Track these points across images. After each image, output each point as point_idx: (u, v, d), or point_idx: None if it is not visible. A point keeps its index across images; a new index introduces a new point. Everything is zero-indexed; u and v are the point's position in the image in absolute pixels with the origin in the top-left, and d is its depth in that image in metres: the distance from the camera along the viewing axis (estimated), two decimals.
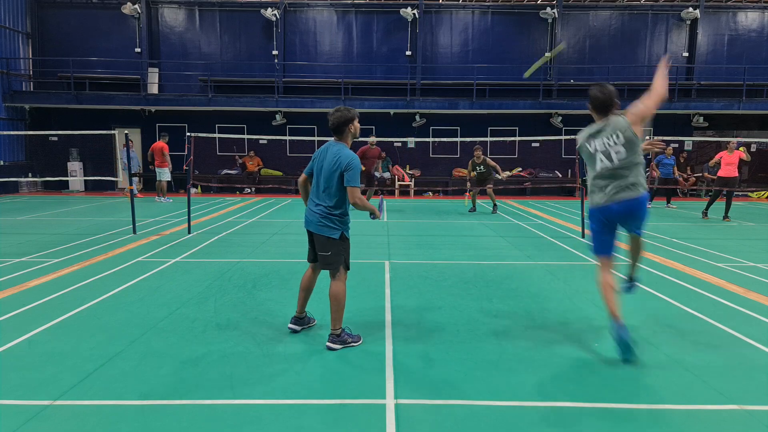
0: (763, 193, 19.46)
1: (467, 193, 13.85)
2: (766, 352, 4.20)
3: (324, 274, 4.49)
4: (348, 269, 4.32)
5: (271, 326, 4.71)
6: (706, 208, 12.81)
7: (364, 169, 13.15)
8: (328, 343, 4.19)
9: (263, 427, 3.02)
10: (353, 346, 4.22)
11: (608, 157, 4.06)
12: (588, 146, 4.16)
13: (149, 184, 19.46)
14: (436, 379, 3.66)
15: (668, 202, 15.63)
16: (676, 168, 15.53)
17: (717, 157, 12.34)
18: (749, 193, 18.96)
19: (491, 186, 13.09)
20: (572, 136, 10.34)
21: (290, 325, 4.55)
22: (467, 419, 3.12)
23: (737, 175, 12.44)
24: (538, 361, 3.97)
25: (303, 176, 4.44)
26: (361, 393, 3.43)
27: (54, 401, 3.28)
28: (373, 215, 4.41)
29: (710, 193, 18.96)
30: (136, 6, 19.38)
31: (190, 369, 3.77)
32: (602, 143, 4.08)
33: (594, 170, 4.17)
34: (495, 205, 13.34)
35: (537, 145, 19.54)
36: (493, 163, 12.99)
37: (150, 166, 16.42)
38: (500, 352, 4.15)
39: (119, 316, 4.94)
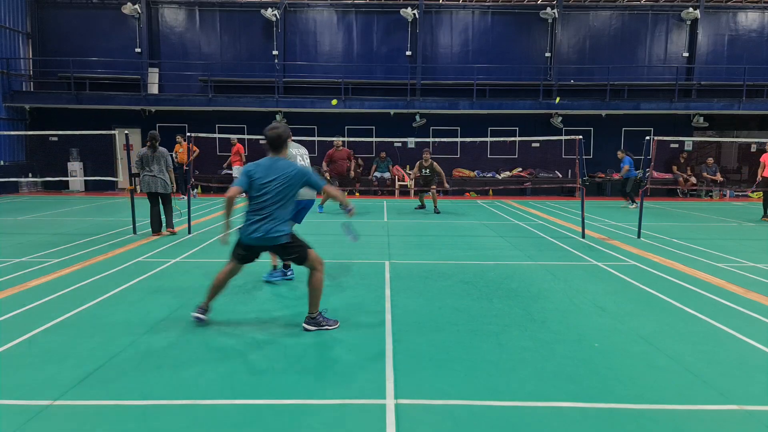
0: (759, 192, 19.42)
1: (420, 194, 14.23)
2: (766, 352, 4.20)
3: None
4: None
5: (271, 326, 4.71)
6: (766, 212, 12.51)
7: (331, 171, 13.63)
8: (304, 325, 4.56)
9: (263, 427, 3.02)
10: (328, 329, 4.54)
11: None
12: (292, 151, 5.82)
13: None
14: (436, 379, 3.66)
15: (632, 201, 15.81)
16: (627, 168, 15.61)
17: (762, 159, 12.48)
18: (749, 193, 18.95)
19: (434, 188, 13.30)
20: (572, 137, 10.36)
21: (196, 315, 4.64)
22: (467, 419, 3.12)
23: None
24: (538, 361, 3.97)
25: (236, 189, 4.34)
26: (361, 393, 3.43)
27: (54, 401, 3.28)
28: (346, 207, 4.75)
29: (711, 194, 19.07)
30: (136, 6, 19.37)
31: (190, 369, 3.77)
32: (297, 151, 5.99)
33: None
34: (436, 206, 13.46)
35: (537, 145, 19.54)
36: (439, 169, 13.27)
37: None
38: (500, 352, 4.15)
39: (119, 316, 4.94)
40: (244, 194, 4.42)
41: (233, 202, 4.38)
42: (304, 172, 4.39)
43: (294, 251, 4.43)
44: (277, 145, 4.41)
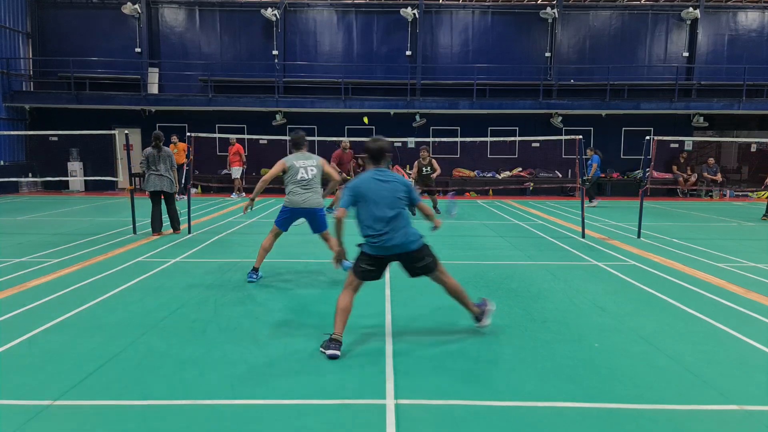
0: (763, 193, 19.45)
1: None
2: (766, 352, 4.20)
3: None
4: None
5: (271, 326, 4.71)
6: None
7: (342, 172, 13.65)
8: (480, 324, 4.56)
9: (263, 427, 3.02)
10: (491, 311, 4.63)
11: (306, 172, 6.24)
12: (295, 164, 6.24)
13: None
14: (436, 379, 3.65)
15: (591, 200, 15.84)
16: (595, 166, 15.58)
17: None
18: (749, 193, 18.96)
19: (435, 190, 13.23)
20: (573, 137, 10.36)
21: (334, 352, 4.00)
22: (467, 419, 3.12)
23: None
24: (538, 361, 3.97)
25: (344, 211, 4.20)
26: (361, 393, 3.43)
27: (54, 401, 3.28)
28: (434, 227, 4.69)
29: (711, 194, 19.08)
30: (136, 6, 19.38)
31: (190, 369, 3.77)
32: (303, 164, 6.28)
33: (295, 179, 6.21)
34: (436, 207, 13.38)
35: (537, 145, 19.55)
36: (436, 166, 13.11)
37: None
38: (500, 352, 4.15)
39: (119, 316, 4.94)
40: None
41: (342, 223, 4.24)
42: (409, 185, 4.39)
43: (427, 257, 4.32)
44: (380, 157, 4.40)
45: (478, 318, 4.57)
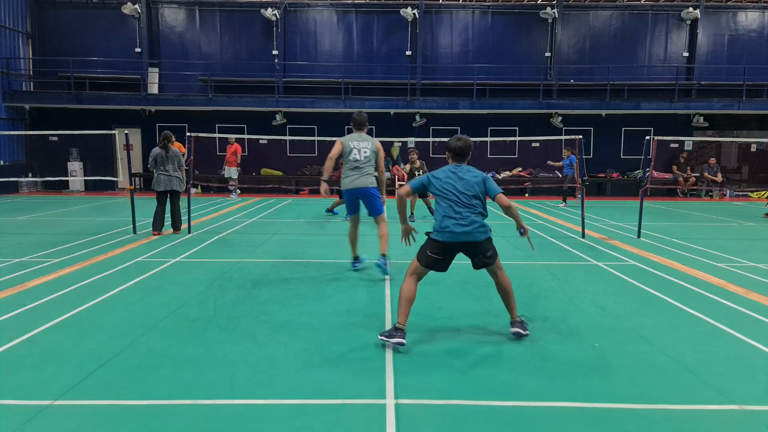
0: (763, 193, 19.45)
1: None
2: (766, 352, 4.20)
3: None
4: None
5: (272, 326, 4.71)
6: None
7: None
8: (517, 330, 4.42)
9: (263, 427, 3.02)
10: (527, 335, 4.44)
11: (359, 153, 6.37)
12: (350, 144, 6.38)
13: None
14: (436, 379, 3.65)
15: (564, 201, 15.76)
16: (577, 167, 15.46)
17: None
18: (749, 193, 18.96)
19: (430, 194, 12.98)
20: (573, 137, 10.36)
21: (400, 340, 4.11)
22: (467, 419, 3.12)
23: None
24: (538, 361, 3.97)
25: (409, 189, 4.50)
26: (361, 393, 3.42)
27: (54, 401, 3.28)
28: (522, 230, 4.58)
29: (711, 193, 19.08)
30: (136, 6, 19.39)
31: (190, 369, 3.77)
32: (357, 145, 6.38)
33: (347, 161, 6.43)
34: (431, 208, 13.23)
35: (537, 145, 19.55)
36: (426, 170, 12.87)
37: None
38: (500, 352, 4.15)
39: (119, 316, 4.94)
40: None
41: (403, 201, 4.52)
42: (485, 177, 4.47)
43: (490, 248, 4.41)
44: (463, 155, 4.52)
45: (520, 326, 4.47)
